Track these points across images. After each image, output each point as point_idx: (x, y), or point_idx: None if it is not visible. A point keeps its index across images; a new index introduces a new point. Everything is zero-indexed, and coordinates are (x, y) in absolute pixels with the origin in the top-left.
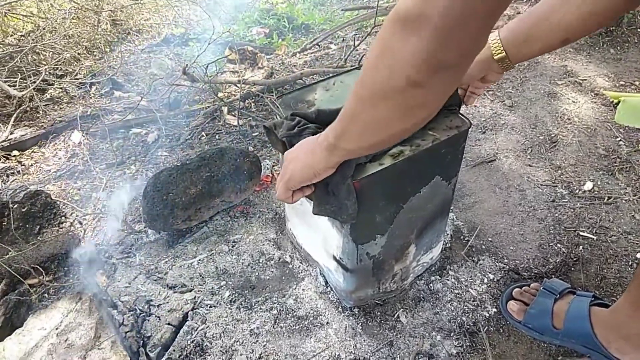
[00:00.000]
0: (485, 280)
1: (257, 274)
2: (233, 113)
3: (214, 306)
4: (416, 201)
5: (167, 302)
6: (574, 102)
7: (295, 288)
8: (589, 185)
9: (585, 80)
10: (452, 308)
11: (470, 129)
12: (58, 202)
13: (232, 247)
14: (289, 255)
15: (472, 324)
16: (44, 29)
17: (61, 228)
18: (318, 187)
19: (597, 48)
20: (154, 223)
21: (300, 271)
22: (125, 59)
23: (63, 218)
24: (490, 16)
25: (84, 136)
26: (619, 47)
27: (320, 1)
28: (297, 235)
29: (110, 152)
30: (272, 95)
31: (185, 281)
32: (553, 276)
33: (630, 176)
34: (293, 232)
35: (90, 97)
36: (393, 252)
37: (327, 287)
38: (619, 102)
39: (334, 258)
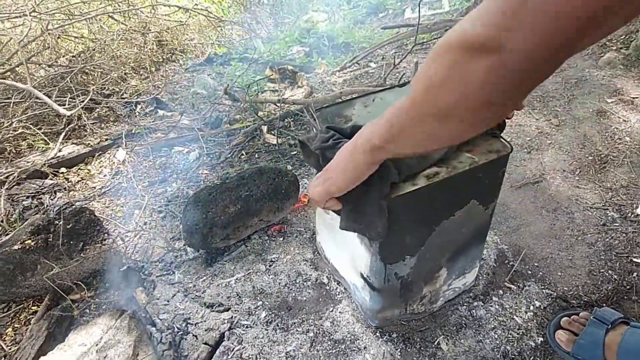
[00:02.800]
0: (531, 308)
1: (293, 294)
2: (272, 132)
3: (251, 326)
4: (449, 224)
5: (205, 321)
6: (625, 121)
7: (332, 310)
8: None
9: (637, 98)
10: (496, 336)
11: (515, 149)
12: (101, 219)
13: (269, 266)
14: (326, 277)
15: (517, 354)
16: (93, 49)
17: (104, 245)
18: (347, 203)
19: None
20: (193, 241)
21: (337, 293)
22: (170, 78)
23: (106, 235)
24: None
25: (128, 154)
26: None
27: (361, 19)
28: (326, 249)
29: (153, 169)
30: (312, 112)
31: (223, 300)
32: (604, 305)
33: None
34: (322, 245)
35: (135, 116)
36: (422, 274)
37: None
38: None
39: (361, 276)
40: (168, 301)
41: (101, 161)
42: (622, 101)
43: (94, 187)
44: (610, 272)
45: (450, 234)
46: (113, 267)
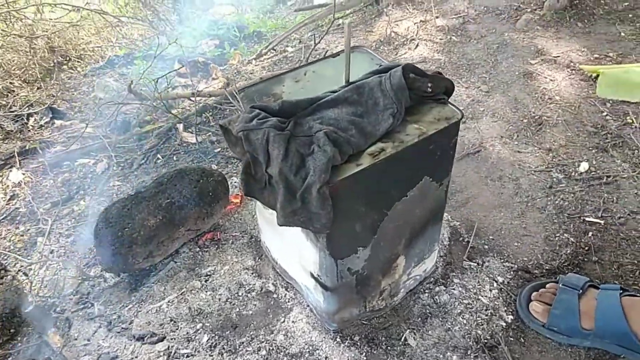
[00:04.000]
0: (495, 285)
1: (237, 309)
2: (190, 130)
3: (192, 355)
4: (402, 207)
5: (136, 357)
6: (551, 80)
7: (284, 321)
8: (584, 166)
9: (559, 56)
10: (465, 321)
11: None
12: None
13: (205, 281)
14: (272, 283)
15: (489, 337)
16: None
17: (1, 283)
18: (283, 192)
19: (564, 23)
20: (111, 265)
21: (287, 300)
22: (65, 85)
23: (3, 272)
24: None
25: (24, 174)
26: (586, 20)
27: (269, 9)
28: (272, 250)
29: (55, 188)
30: (234, 94)
31: (155, 329)
32: (566, 270)
33: (624, 151)
34: (267, 245)
35: (29, 130)
36: (379, 266)
37: None
38: (598, 75)
39: (312, 275)
40: (89, 340)
41: None
42: (545, 61)
43: None
44: (565, 235)
45: (404, 218)
46: (16, 310)
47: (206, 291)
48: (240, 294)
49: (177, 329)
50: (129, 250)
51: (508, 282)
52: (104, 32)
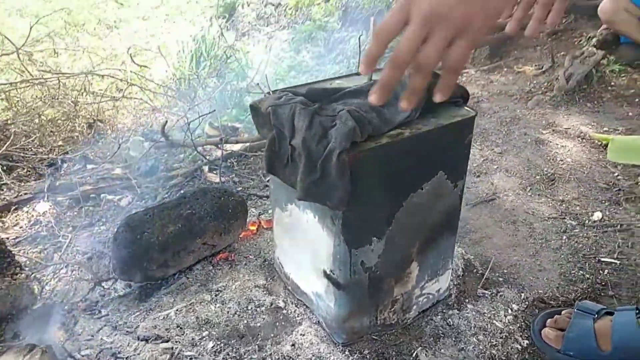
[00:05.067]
0: (510, 311)
1: (245, 321)
2: (215, 172)
3: (196, 357)
4: (418, 201)
5: (138, 354)
6: (562, 146)
7: (292, 334)
8: (598, 215)
9: (569, 128)
10: (478, 342)
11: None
12: (13, 252)
13: (216, 295)
14: (282, 300)
15: (504, 357)
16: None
17: (14, 279)
18: (305, 161)
19: (573, 103)
20: (125, 269)
21: (296, 315)
22: (103, 143)
23: (18, 269)
24: None
25: (50, 206)
26: (595, 102)
27: None
28: (285, 264)
29: (79, 217)
30: (257, 154)
31: (160, 332)
32: None
33: (638, 205)
34: (281, 260)
35: (61, 174)
36: (392, 267)
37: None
38: (608, 144)
39: (325, 274)
40: (92, 336)
41: (18, 214)
42: (557, 132)
43: (7, 238)
44: (581, 272)
45: (419, 214)
46: (24, 309)
47: (215, 304)
48: (249, 307)
49: (182, 334)
50: (145, 254)
51: (524, 310)
52: (143, 118)
